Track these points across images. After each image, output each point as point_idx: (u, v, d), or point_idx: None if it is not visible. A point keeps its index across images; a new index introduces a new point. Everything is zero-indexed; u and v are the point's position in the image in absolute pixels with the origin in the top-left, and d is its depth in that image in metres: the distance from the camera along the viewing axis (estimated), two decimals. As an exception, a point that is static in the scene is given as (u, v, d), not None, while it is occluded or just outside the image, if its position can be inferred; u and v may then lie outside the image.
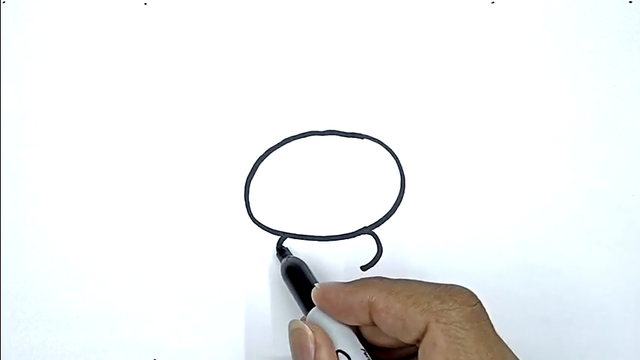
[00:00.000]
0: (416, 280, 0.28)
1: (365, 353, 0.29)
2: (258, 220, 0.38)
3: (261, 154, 0.38)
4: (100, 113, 0.38)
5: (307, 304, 0.31)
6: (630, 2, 0.39)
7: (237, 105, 0.38)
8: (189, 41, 0.39)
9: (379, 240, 0.37)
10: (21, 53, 0.39)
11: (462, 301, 0.26)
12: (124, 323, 0.37)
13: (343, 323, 0.30)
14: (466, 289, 0.27)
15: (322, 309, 0.30)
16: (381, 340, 0.30)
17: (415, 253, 0.37)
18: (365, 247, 0.37)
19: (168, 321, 0.37)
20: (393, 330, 0.27)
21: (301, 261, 0.35)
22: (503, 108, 0.38)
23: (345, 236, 0.37)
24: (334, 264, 0.37)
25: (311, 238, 0.37)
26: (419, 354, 0.26)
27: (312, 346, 0.29)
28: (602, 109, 0.38)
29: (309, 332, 0.29)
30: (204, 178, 0.38)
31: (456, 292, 0.27)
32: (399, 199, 0.37)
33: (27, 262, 0.37)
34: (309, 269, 0.34)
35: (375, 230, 0.37)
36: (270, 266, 0.37)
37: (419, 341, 0.26)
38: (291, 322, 0.31)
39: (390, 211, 0.37)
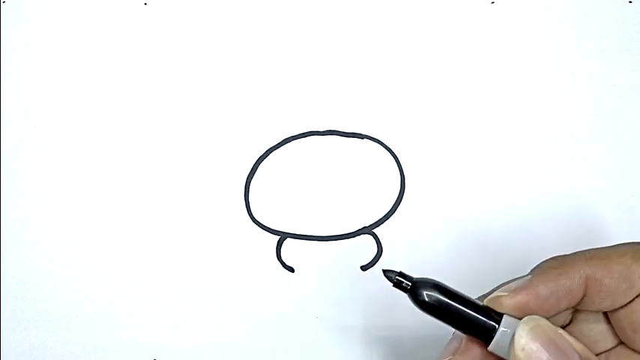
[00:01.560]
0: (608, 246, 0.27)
1: None
2: (258, 220, 0.38)
3: (261, 154, 0.38)
4: (100, 113, 0.38)
5: (475, 325, 0.25)
6: (630, 2, 0.39)
7: (237, 105, 0.38)
8: (189, 41, 0.39)
9: (379, 240, 0.37)
10: (21, 53, 0.39)
11: None
12: (124, 323, 0.37)
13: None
14: None
15: (526, 312, 0.25)
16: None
17: (415, 253, 0.37)
18: (365, 247, 0.37)
19: (168, 321, 0.37)
20: (614, 293, 0.25)
21: (431, 280, 0.26)
22: (503, 108, 0.38)
23: (345, 236, 0.37)
24: (334, 264, 0.37)
25: (311, 238, 0.37)
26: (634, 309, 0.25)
27: (576, 355, 0.25)
28: (602, 109, 0.38)
29: (568, 336, 0.25)
30: (204, 178, 0.38)
31: None
32: (399, 199, 0.37)
33: (27, 262, 0.37)
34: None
35: (375, 230, 0.37)
36: (269, 265, 0.37)
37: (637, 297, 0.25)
38: (526, 320, 0.25)
39: (390, 211, 0.37)
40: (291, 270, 0.37)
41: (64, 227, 0.37)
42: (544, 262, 0.27)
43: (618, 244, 0.27)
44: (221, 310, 0.37)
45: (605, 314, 0.27)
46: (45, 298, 0.37)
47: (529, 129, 0.38)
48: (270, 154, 0.38)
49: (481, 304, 0.26)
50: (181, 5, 0.39)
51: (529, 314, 0.25)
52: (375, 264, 0.37)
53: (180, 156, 0.38)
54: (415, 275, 0.26)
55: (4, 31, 0.39)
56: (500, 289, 0.26)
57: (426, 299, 0.26)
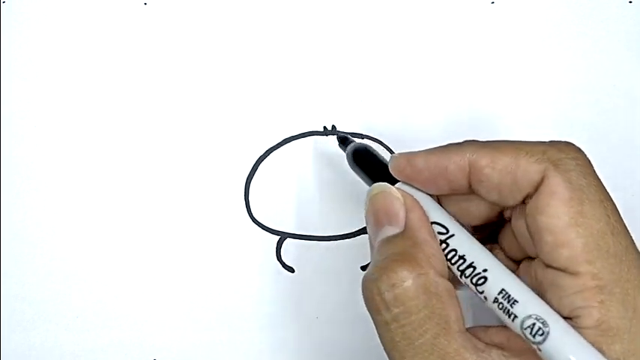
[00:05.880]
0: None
1: (462, 225, 0.26)
2: (258, 220, 0.38)
3: (261, 154, 0.38)
4: (100, 113, 0.38)
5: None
6: (630, 2, 0.39)
7: (237, 105, 0.38)
8: (189, 41, 0.39)
9: (379, 240, 0.37)
10: (21, 53, 0.39)
11: (576, 151, 0.25)
12: (124, 323, 0.37)
13: (429, 195, 0.27)
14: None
15: (406, 178, 0.27)
16: (467, 216, 0.27)
17: (415, 253, 0.37)
18: (365, 247, 0.37)
19: (168, 321, 0.37)
20: (499, 188, 0.24)
21: (367, 145, 0.33)
22: (503, 108, 0.38)
23: (345, 236, 0.37)
24: (334, 264, 0.37)
25: (311, 238, 0.37)
26: (529, 210, 0.24)
27: (402, 208, 0.26)
28: (602, 109, 0.38)
29: (398, 194, 0.26)
30: (204, 178, 0.38)
31: (568, 144, 0.25)
32: (399, 199, 0.37)
33: (27, 262, 0.37)
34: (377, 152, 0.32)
35: (375, 230, 0.37)
36: (269, 265, 0.37)
37: (528, 197, 0.24)
38: (372, 186, 0.27)
39: (390, 211, 0.37)
40: (291, 270, 0.37)
41: (64, 227, 0.37)
42: (458, 142, 0.27)
43: (522, 141, 0.25)
44: (221, 310, 0.37)
45: None
46: (45, 299, 0.37)
47: (529, 129, 0.38)
48: (270, 154, 0.38)
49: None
50: (181, 5, 0.39)
51: (409, 181, 0.27)
52: (375, 264, 0.37)
53: (180, 156, 0.38)
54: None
55: (4, 31, 0.39)
56: (400, 152, 0.28)
57: (352, 156, 0.32)
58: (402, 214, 0.26)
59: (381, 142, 0.38)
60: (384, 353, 0.36)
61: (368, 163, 0.31)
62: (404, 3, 0.39)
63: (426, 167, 0.26)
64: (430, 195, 0.27)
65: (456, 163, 0.25)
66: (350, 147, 0.33)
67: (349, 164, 0.32)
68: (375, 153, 0.31)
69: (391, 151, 0.38)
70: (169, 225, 0.37)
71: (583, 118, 0.38)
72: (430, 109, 0.38)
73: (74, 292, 0.37)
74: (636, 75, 0.38)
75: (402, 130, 0.38)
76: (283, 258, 0.37)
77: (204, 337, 0.37)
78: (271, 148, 0.38)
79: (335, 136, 0.35)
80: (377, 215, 0.27)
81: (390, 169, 0.28)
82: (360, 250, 0.37)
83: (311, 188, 0.38)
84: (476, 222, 0.27)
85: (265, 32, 0.39)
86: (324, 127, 0.38)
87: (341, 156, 0.38)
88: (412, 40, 0.39)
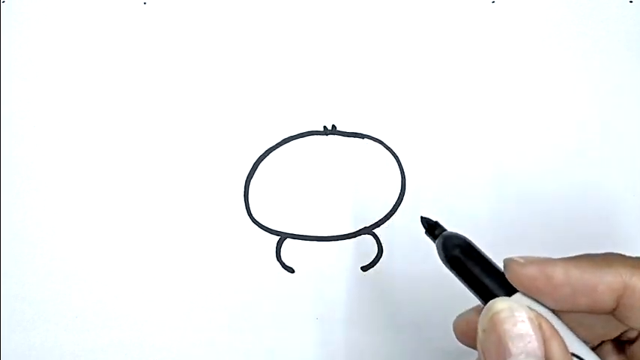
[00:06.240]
0: None
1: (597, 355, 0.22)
2: (258, 220, 0.37)
3: (261, 154, 0.38)
4: (99, 113, 0.38)
5: (490, 294, 0.23)
6: (630, 2, 0.39)
7: (237, 105, 0.38)
8: (188, 41, 0.39)
9: (379, 240, 0.37)
10: (21, 53, 0.39)
11: None
12: (124, 323, 0.37)
13: (554, 313, 0.22)
14: None
15: (535, 292, 0.22)
16: (584, 336, 0.23)
17: (415, 253, 0.37)
18: (365, 247, 0.37)
19: (168, 321, 0.37)
20: None
21: (465, 237, 0.26)
22: (504, 108, 0.38)
23: (345, 236, 0.37)
24: (334, 264, 0.37)
25: (311, 238, 0.37)
26: None
27: (539, 335, 0.21)
28: (602, 109, 0.38)
29: (532, 315, 0.21)
30: (204, 178, 0.38)
31: None
32: (400, 199, 0.37)
33: (27, 262, 0.37)
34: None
35: (375, 230, 0.37)
36: (269, 265, 0.37)
37: None
38: (495, 303, 0.22)
39: (390, 211, 0.37)
40: (291, 270, 0.37)
41: (64, 227, 0.37)
42: (600, 254, 0.23)
43: None
44: (221, 310, 0.37)
45: None
46: (44, 299, 0.37)
47: (529, 129, 0.38)
48: (270, 154, 0.38)
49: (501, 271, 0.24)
50: (181, 5, 0.39)
51: (536, 294, 0.22)
52: (375, 264, 0.37)
53: (180, 156, 0.38)
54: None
55: (4, 31, 0.39)
56: (521, 255, 0.23)
57: (450, 254, 0.25)
58: (541, 344, 0.21)
59: (381, 142, 0.38)
60: (382, 353, 0.36)
61: (469, 260, 0.25)
62: (404, 3, 0.39)
63: (567, 282, 0.21)
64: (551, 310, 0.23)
65: (608, 283, 0.21)
66: (442, 239, 0.26)
67: (440, 258, 0.26)
68: (478, 250, 0.25)
69: (391, 151, 0.38)
70: (169, 225, 0.37)
71: (583, 118, 0.38)
72: (431, 109, 0.38)
73: (74, 292, 0.37)
74: (636, 75, 0.38)
75: (403, 130, 0.38)
76: (283, 258, 0.37)
77: (204, 337, 0.37)
78: (271, 148, 0.38)
79: (420, 219, 0.28)
80: (503, 341, 0.21)
81: (509, 277, 0.23)
82: (360, 250, 0.37)
83: (311, 188, 0.38)
84: (589, 341, 0.23)
85: (265, 32, 0.39)
86: (324, 127, 0.38)
87: (341, 156, 0.38)
88: (412, 39, 0.39)
